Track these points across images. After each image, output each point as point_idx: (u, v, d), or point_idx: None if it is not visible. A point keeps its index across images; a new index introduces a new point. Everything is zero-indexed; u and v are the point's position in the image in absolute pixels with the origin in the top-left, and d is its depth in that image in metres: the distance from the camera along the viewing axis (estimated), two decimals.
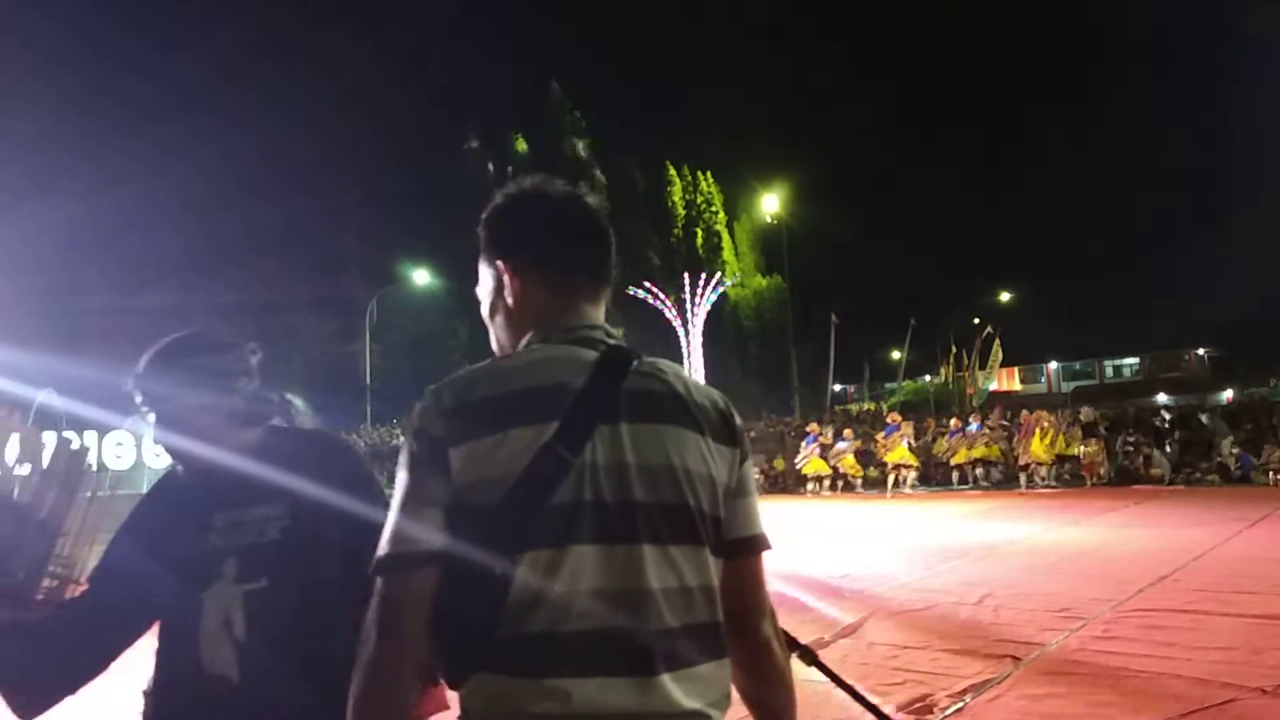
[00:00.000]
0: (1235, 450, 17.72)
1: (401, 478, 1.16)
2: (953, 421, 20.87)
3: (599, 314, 1.32)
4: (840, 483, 20.09)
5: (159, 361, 1.77)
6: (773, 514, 13.16)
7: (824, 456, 20.22)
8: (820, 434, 20.99)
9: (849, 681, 1.31)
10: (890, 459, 19.31)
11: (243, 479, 1.70)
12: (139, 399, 1.77)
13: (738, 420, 1.31)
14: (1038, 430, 18.34)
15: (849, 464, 19.98)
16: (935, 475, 20.37)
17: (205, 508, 1.71)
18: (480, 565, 1.10)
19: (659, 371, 1.26)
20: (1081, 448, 18.31)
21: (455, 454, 1.12)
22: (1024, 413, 19.90)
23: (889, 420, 20.77)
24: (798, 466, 20.67)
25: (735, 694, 1.31)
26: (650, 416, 1.20)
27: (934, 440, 21.03)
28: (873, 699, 1.28)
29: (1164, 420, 20.12)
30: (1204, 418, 20.07)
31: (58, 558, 1.97)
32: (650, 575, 1.14)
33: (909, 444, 19.42)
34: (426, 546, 1.11)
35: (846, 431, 21.16)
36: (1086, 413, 19.81)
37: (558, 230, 1.31)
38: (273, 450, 1.73)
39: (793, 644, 1.34)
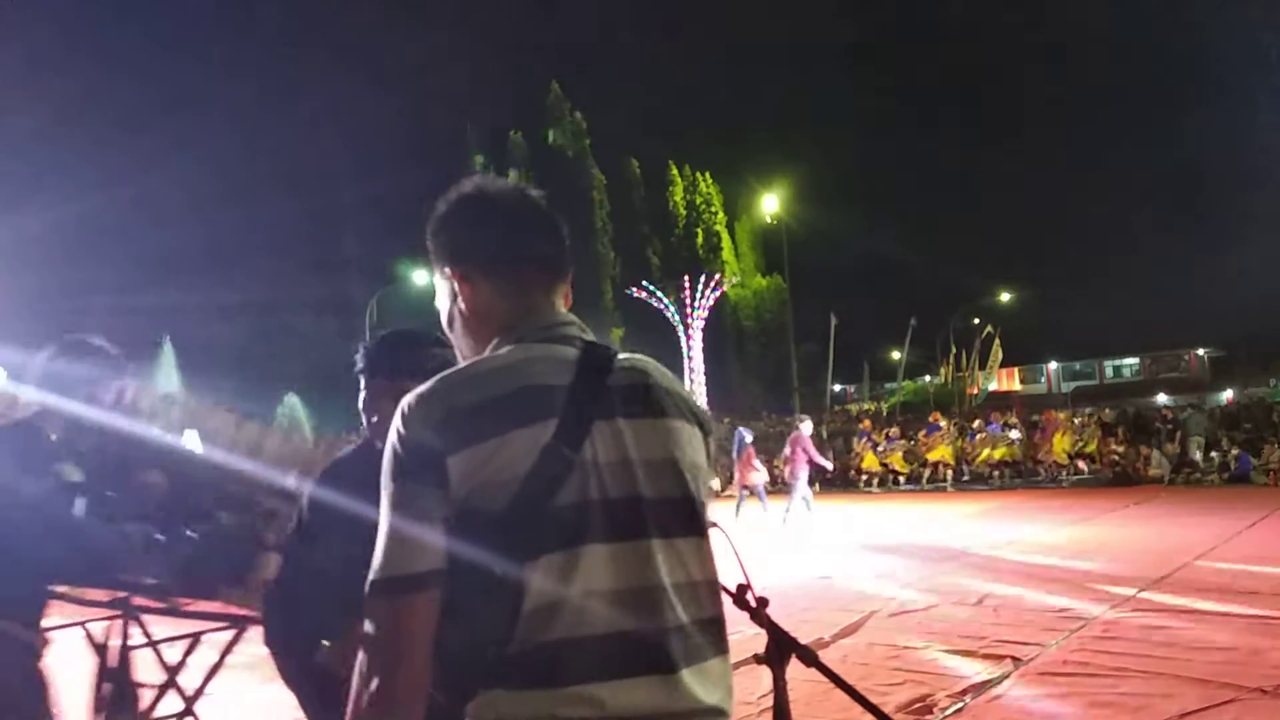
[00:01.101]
0: (1234, 450, 17.73)
1: (392, 492, 1.09)
2: (975, 423, 21.64)
3: (563, 308, 1.28)
4: (891, 479, 20.78)
5: (413, 343, 2.00)
6: (776, 514, 13.20)
7: (876, 453, 20.92)
8: (873, 431, 21.87)
9: (849, 682, 1.31)
10: (932, 457, 20.18)
11: None
12: (362, 365, 2.02)
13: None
14: (1058, 430, 19.15)
15: (897, 460, 20.70)
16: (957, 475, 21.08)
17: None
18: (490, 576, 1.05)
19: (640, 365, 1.24)
20: (1096, 444, 19.05)
21: (454, 461, 1.07)
22: (1049, 413, 20.78)
23: (930, 420, 21.64)
24: (854, 462, 21.25)
25: None
26: (643, 411, 1.19)
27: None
28: (872, 699, 1.28)
29: (1165, 421, 20.21)
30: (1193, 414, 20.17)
31: None
32: (662, 571, 1.13)
33: (951, 443, 20.32)
34: (429, 565, 1.06)
35: (892, 430, 21.93)
36: (1107, 413, 20.41)
37: (504, 229, 1.27)
38: None
39: (792, 644, 1.33)
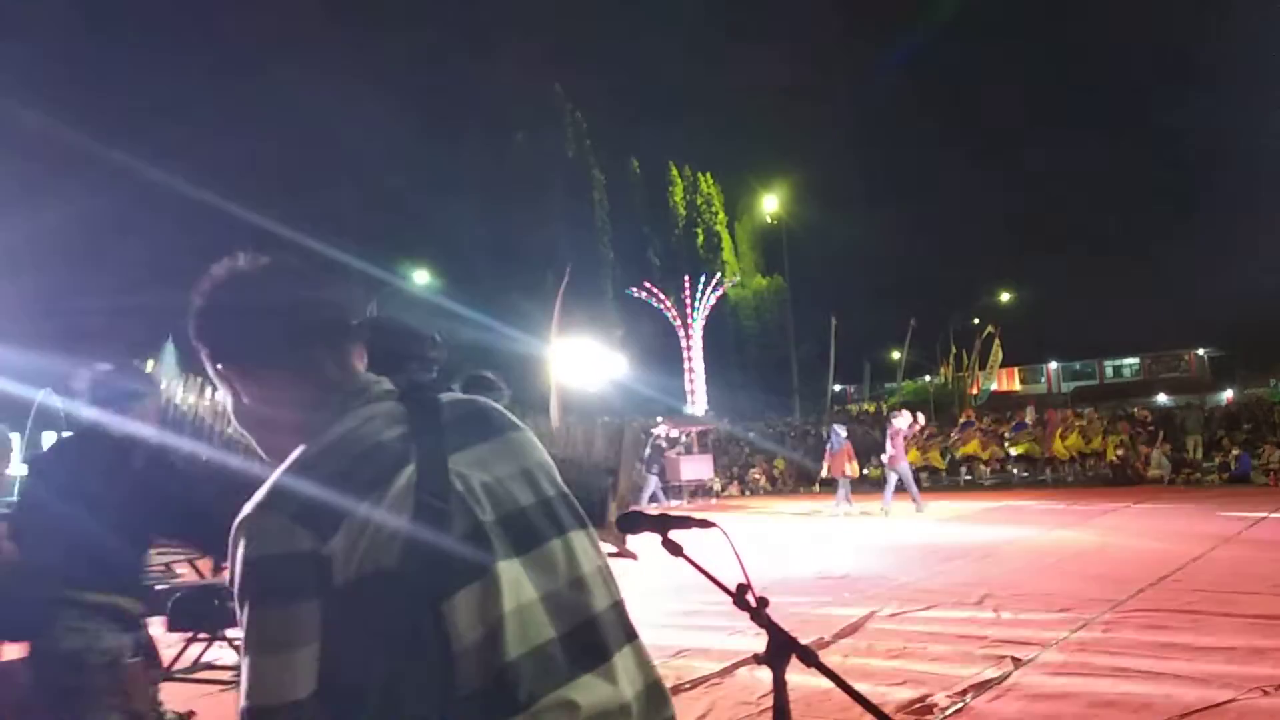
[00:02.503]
0: (1235, 451, 17.73)
1: (261, 616, 1.02)
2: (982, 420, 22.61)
3: (360, 369, 1.23)
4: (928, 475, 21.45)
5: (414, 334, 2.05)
6: (780, 513, 13.45)
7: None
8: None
9: (849, 682, 1.31)
10: (963, 453, 20.96)
11: None
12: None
13: None
14: (1060, 428, 19.73)
15: (934, 458, 21.29)
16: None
17: None
18: (408, 632, 1.02)
19: (465, 396, 1.27)
20: (1100, 440, 19.54)
21: (336, 544, 1.02)
22: (1051, 411, 21.55)
23: (963, 417, 22.62)
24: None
25: None
26: (487, 433, 1.21)
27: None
28: (872, 699, 1.28)
29: (1147, 424, 20.39)
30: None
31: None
32: (573, 564, 1.16)
33: (981, 440, 21.11)
34: (309, 689, 1.01)
35: (930, 428, 22.50)
36: (1138, 411, 21.39)
37: (275, 312, 1.18)
38: None
39: (792, 644, 1.33)
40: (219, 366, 1.20)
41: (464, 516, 1.09)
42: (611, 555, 3.58)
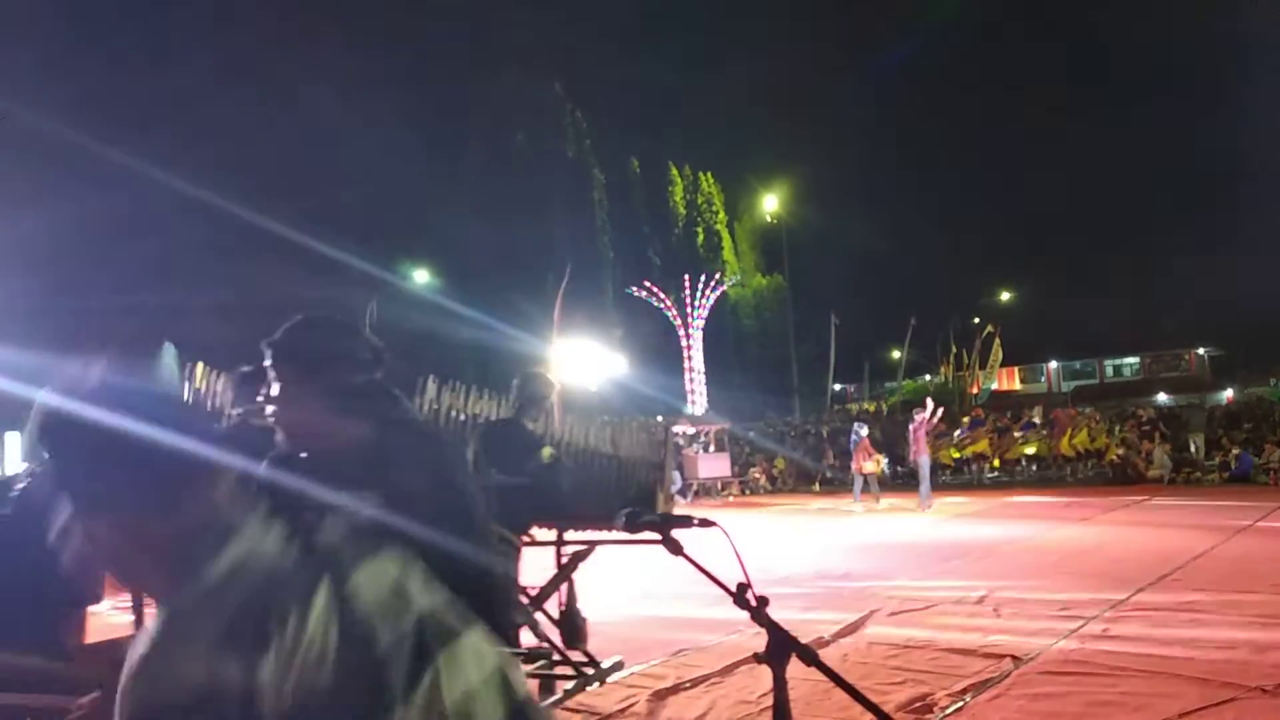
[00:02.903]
0: (1235, 450, 17.74)
1: None
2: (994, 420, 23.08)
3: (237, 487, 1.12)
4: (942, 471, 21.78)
5: (348, 329, 2.03)
6: (782, 512, 13.48)
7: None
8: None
9: (849, 681, 1.31)
10: (971, 451, 21.46)
11: None
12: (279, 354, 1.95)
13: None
14: (1069, 428, 20.13)
15: (945, 456, 21.57)
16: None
17: None
18: None
19: (339, 514, 1.20)
20: (1104, 439, 19.88)
21: (265, 671, 0.93)
22: (1059, 411, 22.14)
23: (973, 415, 23.20)
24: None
25: None
26: (372, 548, 1.11)
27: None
28: (872, 699, 1.28)
29: (1141, 423, 20.57)
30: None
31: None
32: (483, 663, 1.10)
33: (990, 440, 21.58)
34: None
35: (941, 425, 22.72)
36: (1145, 411, 21.88)
37: (121, 461, 1.02)
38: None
39: (792, 643, 1.33)
40: (82, 511, 1.02)
41: (391, 627, 1.03)
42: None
